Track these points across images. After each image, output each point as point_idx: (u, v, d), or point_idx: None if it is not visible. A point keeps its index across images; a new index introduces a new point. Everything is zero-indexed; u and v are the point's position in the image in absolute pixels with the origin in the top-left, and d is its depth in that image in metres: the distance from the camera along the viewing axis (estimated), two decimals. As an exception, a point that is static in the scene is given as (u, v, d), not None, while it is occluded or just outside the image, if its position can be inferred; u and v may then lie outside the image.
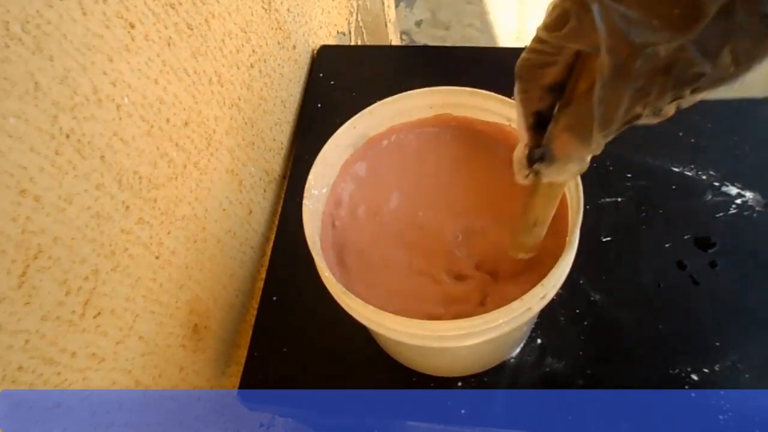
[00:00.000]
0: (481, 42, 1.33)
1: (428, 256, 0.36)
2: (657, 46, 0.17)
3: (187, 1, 0.36)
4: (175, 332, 0.38)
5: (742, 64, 0.17)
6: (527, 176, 0.27)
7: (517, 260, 0.35)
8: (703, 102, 0.58)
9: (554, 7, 0.21)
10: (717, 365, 0.40)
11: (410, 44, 1.35)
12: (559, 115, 0.24)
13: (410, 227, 0.37)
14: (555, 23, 0.21)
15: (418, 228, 0.37)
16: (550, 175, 0.26)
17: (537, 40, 0.22)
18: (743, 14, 0.16)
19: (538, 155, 0.25)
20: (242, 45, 0.44)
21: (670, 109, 0.20)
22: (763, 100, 0.52)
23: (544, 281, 0.29)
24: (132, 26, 0.30)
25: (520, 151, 0.27)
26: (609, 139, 0.22)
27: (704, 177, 0.48)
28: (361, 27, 0.86)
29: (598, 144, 0.22)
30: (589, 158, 0.25)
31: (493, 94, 0.37)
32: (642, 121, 0.20)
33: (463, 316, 0.28)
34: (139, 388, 0.34)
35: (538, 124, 0.25)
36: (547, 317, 0.43)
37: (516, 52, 0.24)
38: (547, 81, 0.23)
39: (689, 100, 0.19)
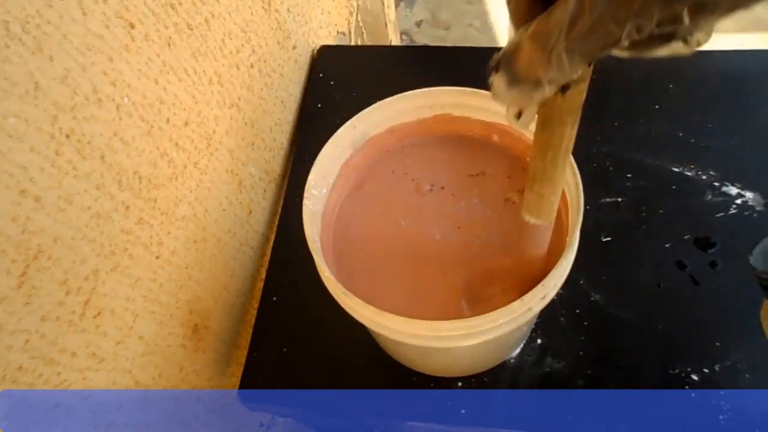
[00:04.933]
0: (481, 42, 1.33)
1: (426, 262, 0.36)
2: None
3: (187, 1, 0.36)
4: (175, 332, 0.38)
5: None
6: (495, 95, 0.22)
7: (516, 261, 0.35)
8: (702, 102, 0.58)
9: None
10: (717, 365, 0.40)
11: (410, 44, 1.35)
12: (532, 22, 0.19)
13: (411, 238, 0.37)
14: None
15: (418, 237, 0.37)
16: (501, 92, 0.21)
17: None
18: None
19: (495, 63, 0.21)
20: (242, 45, 0.44)
21: (697, 38, 0.16)
22: (762, 100, 0.52)
23: (544, 281, 0.29)
24: (132, 26, 0.30)
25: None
26: (575, 64, 0.18)
27: (704, 177, 0.48)
28: (361, 27, 0.86)
29: (560, 64, 0.18)
30: (547, 89, 0.20)
31: (493, 94, 0.37)
32: (635, 52, 0.17)
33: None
34: (139, 388, 0.34)
35: None
36: (547, 317, 0.43)
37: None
38: None
39: (696, 28, 0.15)
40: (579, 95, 0.23)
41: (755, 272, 0.28)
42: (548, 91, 0.20)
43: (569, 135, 0.24)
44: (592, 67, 0.22)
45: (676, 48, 0.17)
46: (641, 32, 0.16)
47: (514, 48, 0.20)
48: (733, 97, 0.53)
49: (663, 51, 0.17)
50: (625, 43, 0.16)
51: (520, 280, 0.33)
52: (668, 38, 0.16)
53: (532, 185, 0.27)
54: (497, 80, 0.21)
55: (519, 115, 0.23)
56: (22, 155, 0.24)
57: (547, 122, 0.24)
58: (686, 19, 0.15)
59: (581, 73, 0.21)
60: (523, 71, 0.20)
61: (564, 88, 0.22)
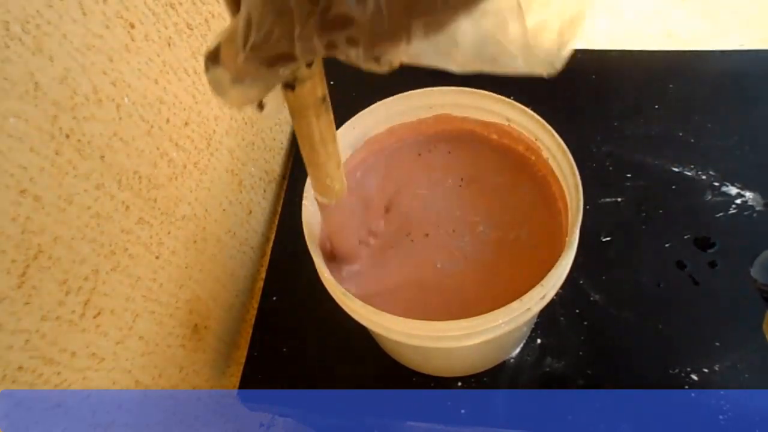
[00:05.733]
0: (481, 42, 1.33)
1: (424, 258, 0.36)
2: None
3: (187, 1, 0.36)
4: (175, 332, 0.38)
5: (392, 19, 0.14)
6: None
7: (516, 259, 0.35)
8: (702, 102, 0.57)
9: None
10: (717, 365, 0.40)
11: (410, 44, 1.35)
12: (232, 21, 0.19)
13: (408, 236, 0.37)
14: None
15: (417, 235, 0.37)
16: (222, 88, 0.20)
17: None
18: None
19: (208, 58, 0.20)
20: (242, 45, 0.44)
21: (389, 60, 0.16)
22: (762, 99, 0.52)
23: (544, 281, 0.29)
24: (132, 26, 0.30)
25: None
26: (264, 71, 0.18)
27: (704, 177, 0.48)
28: (361, 27, 0.86)
29: (248, 70, 0.18)
30: (257, 89, 0.20)
31: (493, 94, 0.37)
32: (344, 58, 0.16)
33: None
34: (139, 388, 0.34)
35: None
36: (547, 317, 0.43)
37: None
38: None
39: (356, 53, 0.16)
40: (309, 92, 0.23)
41: (756, 284, 0.28)
42: (260, 91, 0.20)
43: (317, 125, 0.24)
44: (316, 68, 0.22)
45: (372, 66, 0.17)
46: (314, 53, 0.16)
47: (217, 46, 0.19)
48: (733, 97, 0.53)
49: (366, 66, 0.17)
50: (308, 59, 0.17)
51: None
52: (350, 58, 0.16)
53: (308, 170, 0.28)
54: (214, 76, 0.20)
55: (261, 107, 0.23)
56: (22, 155, 0.24)
57: (293, 114, 0.24)
58: (349, 51, 0.16)
59: (302, 73, 0.21)
60: (232, 71, 0.19)
61: (289, 86, 0.22)
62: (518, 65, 0.16)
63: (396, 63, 0.17)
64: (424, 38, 0.15)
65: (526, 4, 0.15)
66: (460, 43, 0.16)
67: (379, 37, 0.15)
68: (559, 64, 0.16)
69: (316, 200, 0.30)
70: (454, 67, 0.16)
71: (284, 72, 0.18)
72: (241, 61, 0.17)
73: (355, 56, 0.16)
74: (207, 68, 0.20)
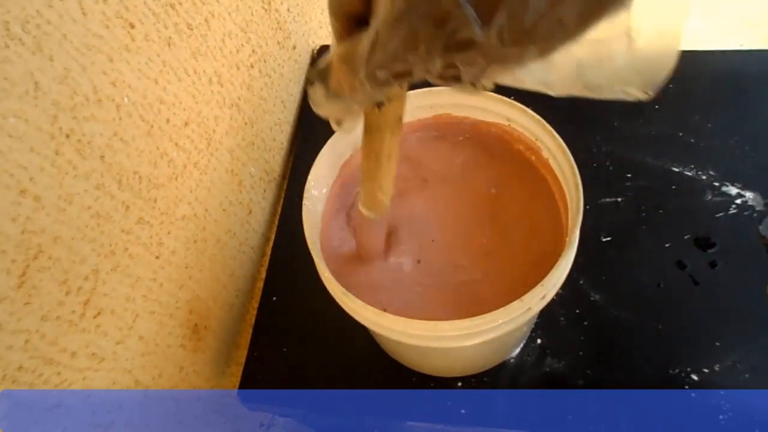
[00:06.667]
0: (481, 42, 1.32)
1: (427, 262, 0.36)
2: None
3: (187, 1, 0.36)
4: (175, 332, 0.38)
5: (511, 43, 0.15)
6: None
7: (516, 259, 0.35)
8: (702, 102, 0.57)
9: None
10: (717, 365, 0.40)
11: (410, 44, 1.35)
12: (342, 42, 0.21)
13: (409, 233, 0.37)
14: None
15: (417, 234, 0.37)
16: (320, 103, 0.23)
17: None
18: None
19: (312, 76, 0.23)
20: (242, 45, 0.44)
21: (483, 84, 0.18)
22: (762, 100, 0.52)
23: (544, 281, 0.29)
24: (132, 26, 0.30)
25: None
26: (378, 89, 0.19)
27: (704, 177, 0.48)
28: (361, 27, 0.86)
29: (363, 87, 0.19)
30: (358, 106, 0.23)
31: (493, 94, 0.37)
32: (448, 84, 0.18)
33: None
34: (139, 388, 0.34)
35: None
36: (547, 317, 0.43)
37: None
38: (347, 9, 0.20)
39: (478, 78, 0.17)
40: (393, 111, 0.26)
41: (764, 241, 0.29)
42: (360, 107, 0.23)
43: (389, 141, 0.27)
44: (405, 88, 0.25)
45: (466, 89, 0.19)
46: (431, 73, 0.18)
47: (328, 65, 0.22)
48: (733, 97, 0.53)
49: (458, 89, 0.19)
50: (421, 77, 0.18)
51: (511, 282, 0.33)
52: (458, 80, 0.18)
53: (363, 183, 0.30)
54: (315, 92, 0.23)
55: (340, 123, 0.26)
56: (22, 155, 0.24)
57: (368, 129, 0.27)
58: (465, 71, 0.17)
59: (394, 93, 0.24)
60: (335, 88, 0.22)
61: (379, 104, 0.24)
62: (618, 93, 0.17)
63: (490, 86, 0.19)
64: (536, 62, 0.16)
65: (636, 32, 0.15)
66: (564, 70, 0.17)
67: (496, 60, 0.16)
68: (656, 88, 0.17)
69: (360, 214, 0.32)
70: (553, 92, 0.18)
71: (388, 91, 0.20)
72: (361, 78, 0.19)
73: (467, 76, 0.17)
74: (311, 84, 0.23)
